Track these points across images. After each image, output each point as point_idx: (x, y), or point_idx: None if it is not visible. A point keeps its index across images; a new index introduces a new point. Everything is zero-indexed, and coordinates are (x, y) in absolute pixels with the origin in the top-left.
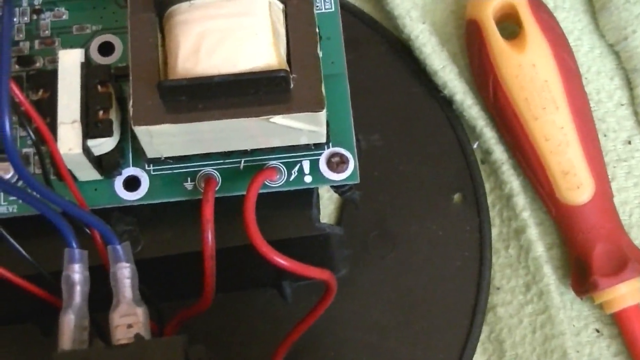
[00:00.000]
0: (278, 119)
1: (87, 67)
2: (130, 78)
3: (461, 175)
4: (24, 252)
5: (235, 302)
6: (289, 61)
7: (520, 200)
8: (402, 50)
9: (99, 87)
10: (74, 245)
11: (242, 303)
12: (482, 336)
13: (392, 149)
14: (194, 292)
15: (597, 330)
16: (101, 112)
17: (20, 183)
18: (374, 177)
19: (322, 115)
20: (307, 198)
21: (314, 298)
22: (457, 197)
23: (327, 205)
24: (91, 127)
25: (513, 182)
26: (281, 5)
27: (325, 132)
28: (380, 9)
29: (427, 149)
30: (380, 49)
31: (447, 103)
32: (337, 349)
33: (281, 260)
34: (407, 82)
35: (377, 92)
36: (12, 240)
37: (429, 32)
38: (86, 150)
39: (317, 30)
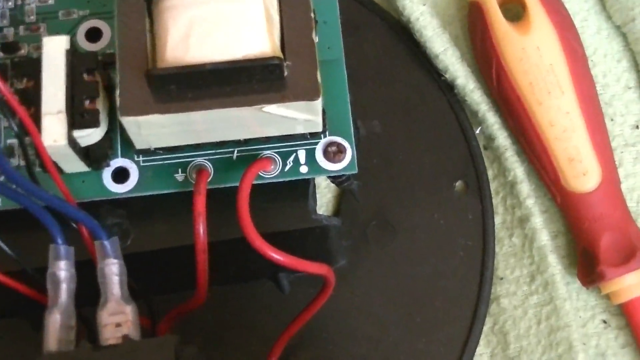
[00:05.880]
0: (272, 108)
1: (73, 55)
2: (118, 66)
3: (463, 162)
4: (6, 247)
5: (231, 295)
6: (283, 48)
7: (525, 187)
8: (401, 33)
9: (85, 75)
10: (60, 241)
11: (238, 296)
12: (486, 328)
13: (392, 135)
14: (188, 285)
15: (604, 321)
16: (87, 102)
17: (2, 177)
18: (373, 165)
19: (318, 103)
20: (303, 189)
21: (312, 290)
22: (459, 184)
23: (325, 194)
24: (77, 117)
25: (517, 168)
26: None
27: (321, 121)
28: None
29: (428, 135)
30: (379, 32)
31: (448, 87)
32: (336, 342)
33: (276, 256)
34: (407, 66)
35: (375, 77)
36: None
37: (430, 14)
38: (72, 142)
39: (312, 15)
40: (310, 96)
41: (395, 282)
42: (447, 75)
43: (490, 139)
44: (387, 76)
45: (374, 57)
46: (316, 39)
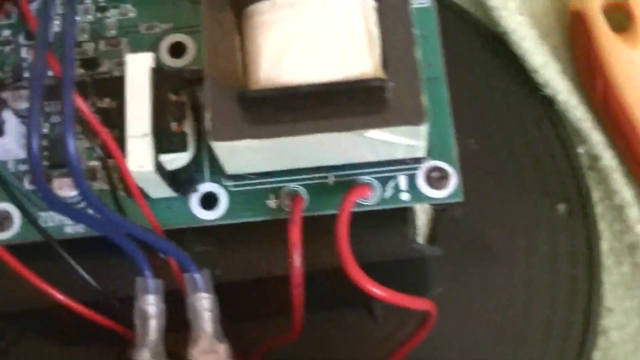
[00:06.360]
0: (373, 133)
1: (158, 73)
2: (206, 87)
3: (566, 183)
4: (87, 275)
5: (321, 323)
6: (384, 66)
7: (634, 211)
8: (498, 45)
9: (172, 95)
10: (148, 274)
11: (328, 324)
12: None
13: (489, 154)
14: (278, 314)
15: None
16: (175, 124)
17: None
18: (469, 186)
19: (423, 128)
20: (402, 216)
21: (406, 318)
22: (561, 207)
23: (419, 216)
24: (164, 140)
25: (625, 191)
26: (374, 3)
27: (425, 146)
28: None
29: (528, 155)
30: (474, 43)
31: (549, 103)
32: None
33: (379, 292)
34: (504, 80)
35: (471, 92)
36: (76, 265)
37: (529, 25)
38: (158, 167)
39: (414, 30)
40: (415, 120)
41: (493, 311)
42: (547, 90)
43: (595, 158)
44: (482, 91)
45: (468, 71)
46: (419, 56)
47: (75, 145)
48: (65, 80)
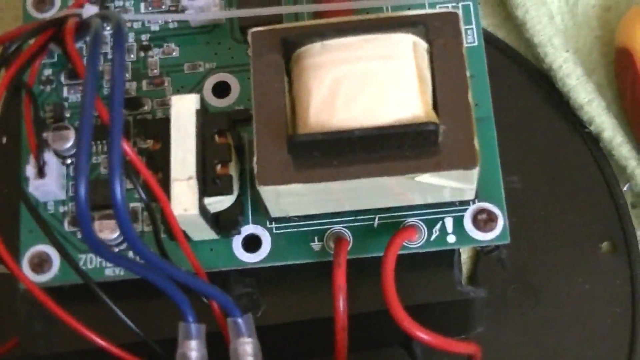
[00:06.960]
0: (424, 177)
1: (203, 115)
2: (254, 130)
3: (610, 221)
4: (128, 320)
5: None
6: (435, 109)
7: None
8: (542, 81)
9: (217, 137)
10: (191, 319)
11: None
12: None
13: (533, 192)
14: (320, 358)
15: None
16: (219, 167)
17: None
18: (512, 224)
19: (475, 172)
20: (448, 257)
21: (446, 358)
22: (605, 245)
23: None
24: (209, 183)
25: None
26: (426, 45)
27: (475, 189)
28: (517, 35)
29: (572, 192)
30: (518, 80)
31: (593, 140)
32: None
33: (424, 336)
34: (548, 117)
35: (514, 129)
36: (115, 308)
37: (573, 62)
38: (203, 210)
39: (467, 73)
40: (468, 164)
41: (536, 351)
42: (592, 127)
43: (639, 196)
44: (526, 128)
45: (511, 108)
46: (472, 99)
47: (122, 192)
48: (113, 126)
